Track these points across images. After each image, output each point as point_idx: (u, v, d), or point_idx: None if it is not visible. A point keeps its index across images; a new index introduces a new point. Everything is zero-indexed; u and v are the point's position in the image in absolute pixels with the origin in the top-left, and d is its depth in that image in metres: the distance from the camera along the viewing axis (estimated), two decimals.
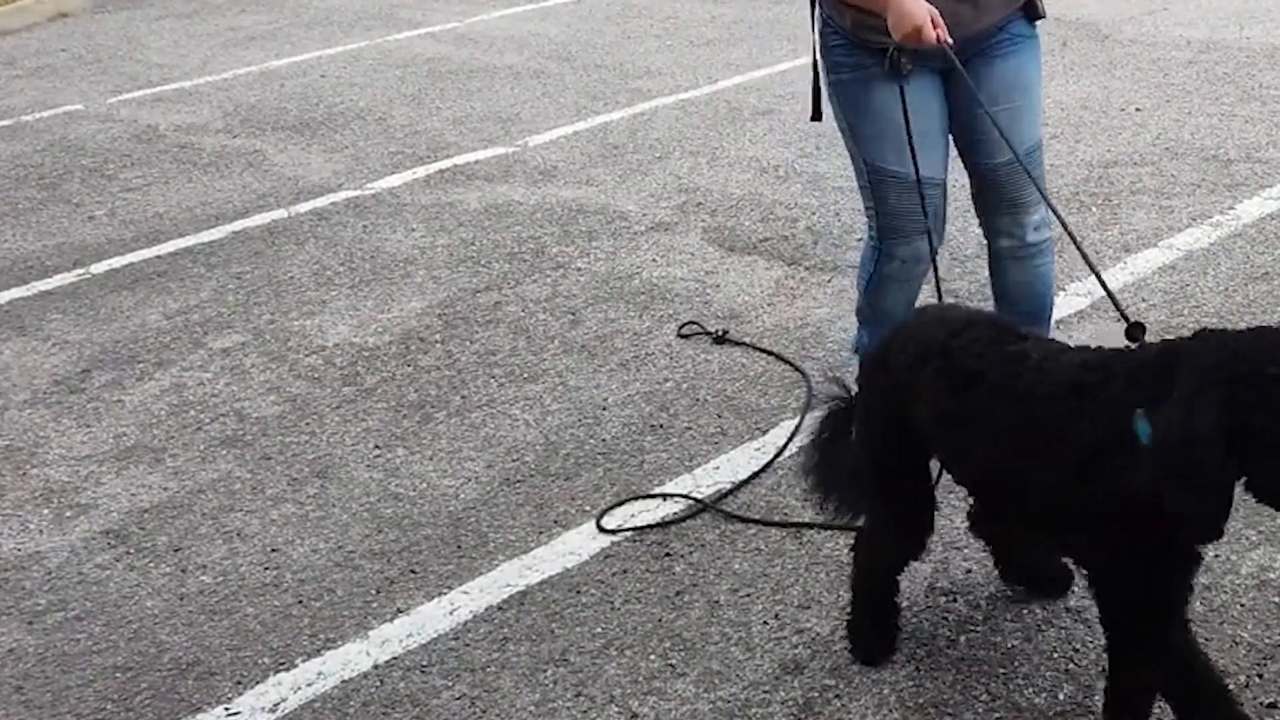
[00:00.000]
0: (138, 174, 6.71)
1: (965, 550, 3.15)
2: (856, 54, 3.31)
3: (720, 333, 4.35)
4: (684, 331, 4.42)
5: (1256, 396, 1.98)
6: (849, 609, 2.89)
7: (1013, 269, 3.54)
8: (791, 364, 4.13)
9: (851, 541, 2.92)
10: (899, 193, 3.38)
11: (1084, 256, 2.76)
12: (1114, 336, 2.58)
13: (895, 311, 3.52)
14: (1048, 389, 2.33)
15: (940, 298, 3.49)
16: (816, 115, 3.54)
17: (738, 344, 4.30)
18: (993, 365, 2.45)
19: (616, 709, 2.77)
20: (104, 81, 8.69)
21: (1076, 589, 2.97)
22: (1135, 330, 2.44)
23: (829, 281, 4.73)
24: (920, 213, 3.38)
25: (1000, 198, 3.44)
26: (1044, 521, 2.46)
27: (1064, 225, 2.79)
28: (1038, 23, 3.38)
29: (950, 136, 3.45)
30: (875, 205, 3.45)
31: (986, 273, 3.70)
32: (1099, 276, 2.69)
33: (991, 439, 2.43)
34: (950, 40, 3.08)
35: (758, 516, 3.37)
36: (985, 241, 3.62)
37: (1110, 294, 2.65)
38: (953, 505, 3.33)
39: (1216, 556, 3.03)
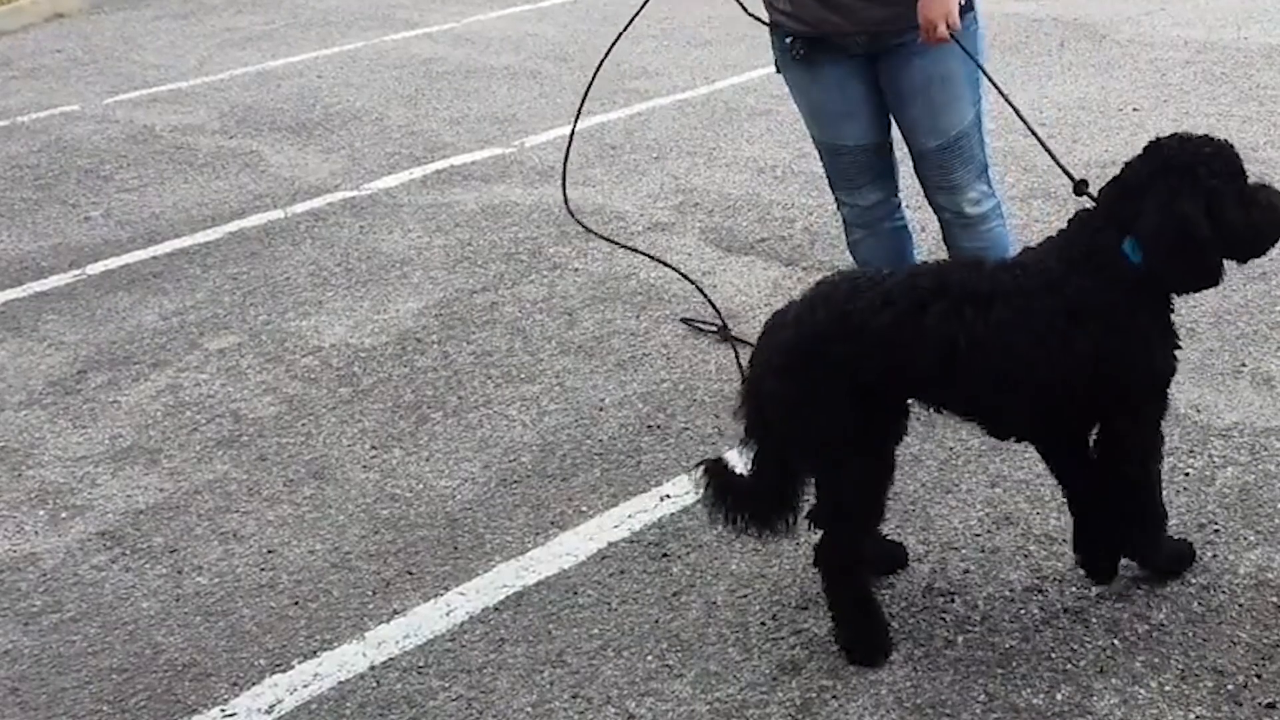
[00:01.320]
0: (134, 175, 6.70)
1: (963, 551, 3.15)
2: (777, 36, 3.59)
3: (720, 327, 4.35)
4: (686, 317, 4.45)
5: (1210, 171, 2.61)
6: (835, 620, 2.85)
7: (962, 236, 3.70)
8: None
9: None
10: (832, 157, 3.70)
11: (1018, 113, 3.20)
12: None
13: (876, 263, 3.73)
14: (1060, 273, 2.66)
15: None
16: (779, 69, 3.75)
17: (741, 341, 4.28)
18: (996, 283, 2.66)
19: (613, 710, 2.77)
20: (100, 82, 8.68)
21: (1073, 589, 2.97)
22: (1081, 186, 2.91)
23: None
24: (853, 173, 3.67)
25: (931, 180, 3.64)
26: (1074, 396, 2.68)
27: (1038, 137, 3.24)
28: (968, 15, 3.43)
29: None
30: (822, 163, 3.78)
31: None
32: (1037, 135, 3.07)
33: (1026, 343, 2.62)
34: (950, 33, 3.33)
35: None
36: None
37: (1051, 153, 3.09)
38: (950, 506, 3.33)
39: (1214, 557, 3.03)
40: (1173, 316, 2.78)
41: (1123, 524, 2.89)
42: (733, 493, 2.87)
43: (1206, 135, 2.70)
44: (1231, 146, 2.70)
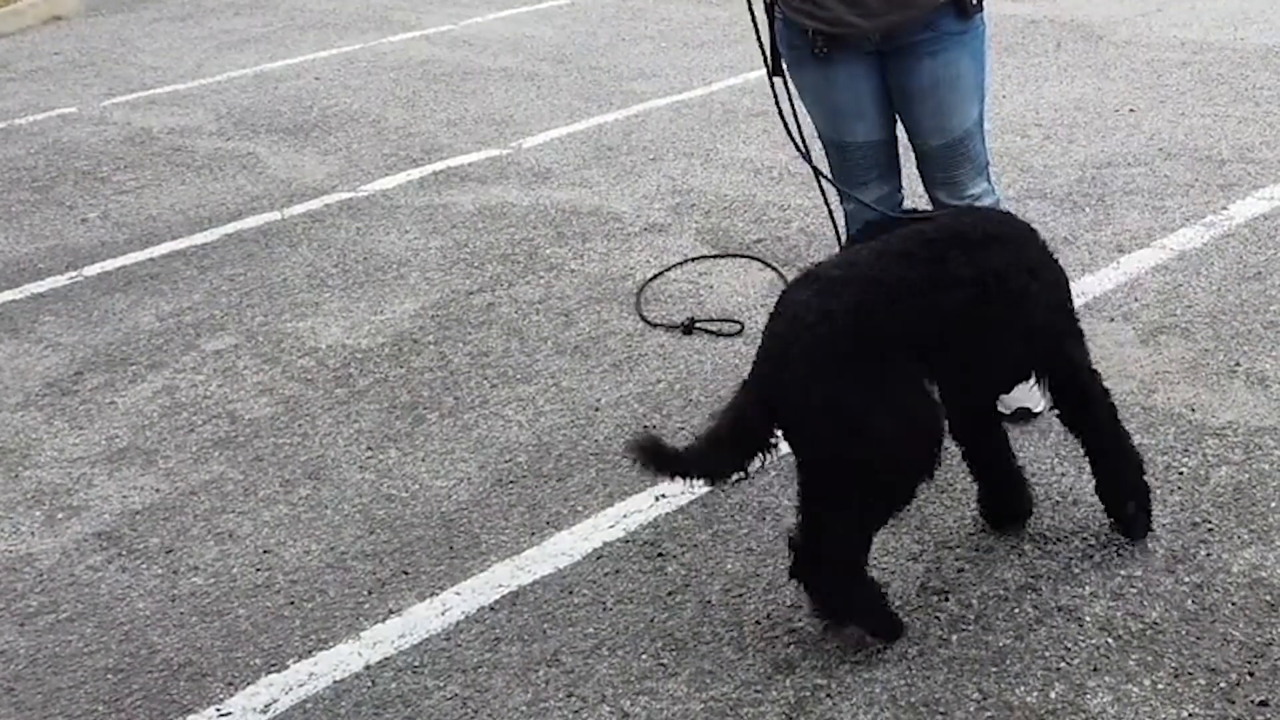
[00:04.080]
0: (131, 176, 6.71)
1: (958, 550, 3.15)
2: (792, 33, 3.54)
3: (688, 322, 4.44)
4: (653, 320, 4.46)
5: None
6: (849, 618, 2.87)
7: None
8: None
9: None
10: (839, 154, 3.69)
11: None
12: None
13: None
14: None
15: (838, 237, 3.75)
16: (774, 71, 3.71)
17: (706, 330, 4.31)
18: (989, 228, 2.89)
19: (608, 709, 2.77)
20: (97, 84, 8.69)
21: (1067, 588, 2.98)
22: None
23: None
24: (860, 169, 3.67)
25: (935, 176, 3.66)
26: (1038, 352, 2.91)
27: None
28: (978, 16, 3.45)
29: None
30: (827, 159, 3.76)
31: None
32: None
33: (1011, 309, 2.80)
34: None
35: (750, 515, 3.37)
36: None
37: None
38: (945, 505, 3.33)
39: (1208, 556, 3.04)
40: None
41: (1122, 478, 3.07)
42: (669, 454, 2.62)
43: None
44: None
